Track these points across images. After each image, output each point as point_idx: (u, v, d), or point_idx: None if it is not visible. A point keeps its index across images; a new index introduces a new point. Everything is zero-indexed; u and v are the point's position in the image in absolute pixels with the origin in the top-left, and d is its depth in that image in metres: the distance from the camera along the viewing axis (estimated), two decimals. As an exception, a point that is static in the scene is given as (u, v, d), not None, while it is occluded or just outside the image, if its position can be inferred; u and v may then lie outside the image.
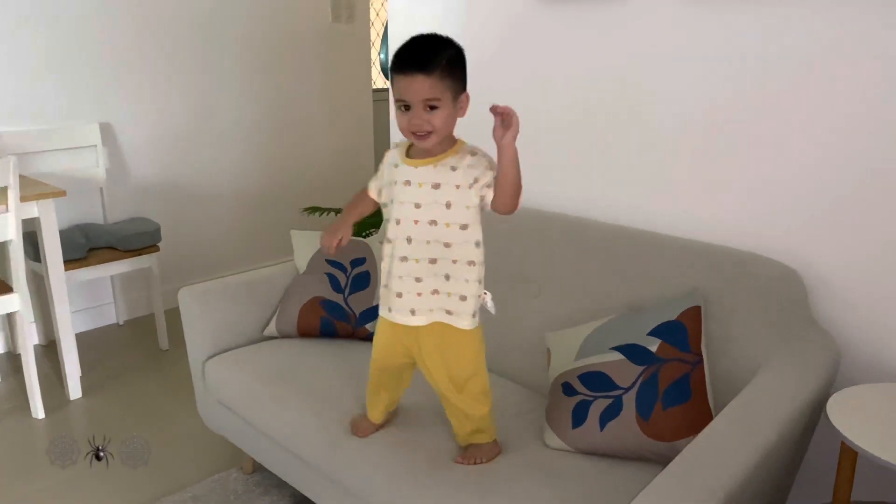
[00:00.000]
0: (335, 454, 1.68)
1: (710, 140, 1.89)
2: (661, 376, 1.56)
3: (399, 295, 1.52)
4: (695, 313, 1.63)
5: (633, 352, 1.61)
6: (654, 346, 1.60)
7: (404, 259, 1.50)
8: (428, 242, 1.48)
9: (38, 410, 2.60)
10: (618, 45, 2.03)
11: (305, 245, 2.32)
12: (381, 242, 1.58)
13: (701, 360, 1.60)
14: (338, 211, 3.64)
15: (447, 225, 1.47)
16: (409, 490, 1.51)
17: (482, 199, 1.45)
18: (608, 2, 2.02)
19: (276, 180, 4.03)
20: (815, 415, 1.54)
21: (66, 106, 3.18)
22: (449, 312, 1.51)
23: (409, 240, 1.49)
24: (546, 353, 1.82)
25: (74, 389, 2.74)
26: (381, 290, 1.58)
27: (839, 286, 1.74)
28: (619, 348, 1.63)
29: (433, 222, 1.47)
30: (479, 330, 1.55)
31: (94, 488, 2.21)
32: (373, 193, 1.61)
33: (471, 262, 1.49)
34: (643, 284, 1.83)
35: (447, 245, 1.48)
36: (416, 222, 1.48)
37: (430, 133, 1.41)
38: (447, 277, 1.49)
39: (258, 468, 2.27)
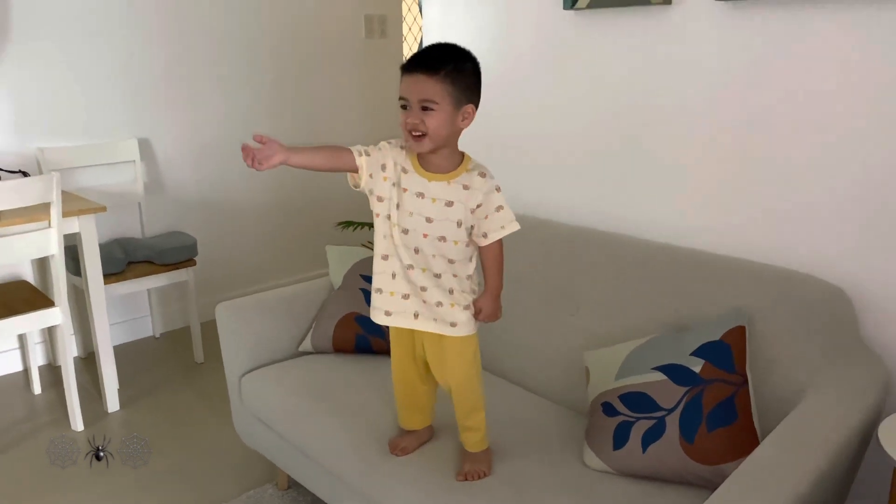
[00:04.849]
0: (371, 472, 1.67)
1: (752, 154, 1.86)
2: (706, 398, 1.53)
3: (406, 297, 1.54)
4: (739, 333, 1.60)
5: (675, 372, 1.58)
6: (697, 366, 1.57)
7: (410, 267, 1.52)
8: (434, 256, 1.51)
9: (78, 422, 2.63)
10: (654, 58, 2.01)
11: (341, 260, 2.32)
12: (373, 240, 1.58)
13: (746, 382, 1.56)
14: (371, 226, 3.63)
15: (455, 243, 1.51)
16: (447, 511, 1.50)
17: (475, 228, 1.50)
18: (643, 15, 2.00)
19: (310, 194, 4.05)
20: (865, 440, 1.49)
21: (106, 122, 3.24)
22: (453, 325, 1.54)
23: (416, 250, 1.51)
24: (584, 372, 1.80)
25: (112, 402, 2.77)
26: (375, 296, 1.57)
27: (889, 306, 1.69)
28: (661, 368, 1.60)
29: (442, 238, 1.50)
30: (475, 336, 1.59)
31: (130, 501, 2.23)
32: (362, 177, 1.50)
33: (469, 277, 1.55)
34: (684, 303, 1.79)
35: (451, 261, 1.52)
36: (425, 235, 1.50)
37: (424, 136, 1.42)
38: (451, 292, 1.53)
39: (293, 484, 2.26)
